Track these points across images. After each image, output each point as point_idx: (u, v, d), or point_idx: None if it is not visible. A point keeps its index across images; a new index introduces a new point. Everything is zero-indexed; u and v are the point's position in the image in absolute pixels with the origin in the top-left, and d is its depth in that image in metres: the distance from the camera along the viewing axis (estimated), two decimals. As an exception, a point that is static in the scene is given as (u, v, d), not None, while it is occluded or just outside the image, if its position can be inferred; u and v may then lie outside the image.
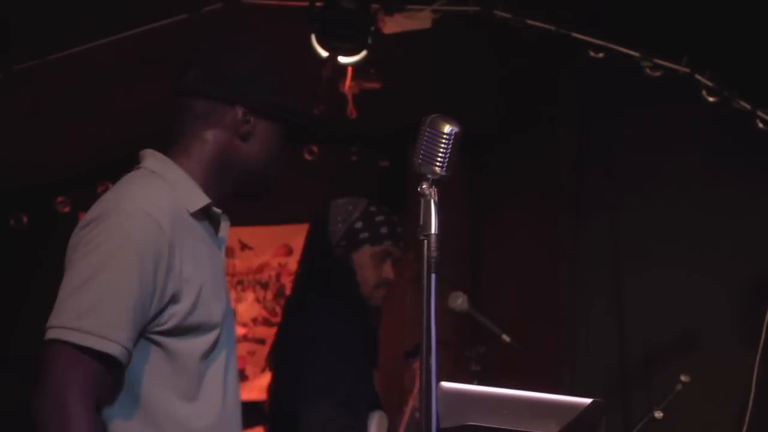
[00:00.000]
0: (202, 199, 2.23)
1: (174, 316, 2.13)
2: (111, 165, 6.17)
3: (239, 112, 2.28)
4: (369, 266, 3.27)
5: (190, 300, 2.14)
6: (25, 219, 6.29)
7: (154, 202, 2.12)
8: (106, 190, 6.09)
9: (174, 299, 2.12)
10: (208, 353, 2.18)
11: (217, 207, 2.27)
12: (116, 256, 2.05)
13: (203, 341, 2.17)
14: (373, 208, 3.32)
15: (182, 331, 2.14)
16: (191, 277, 2.14)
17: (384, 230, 3.29)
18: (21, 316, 6.21)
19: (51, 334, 2.03)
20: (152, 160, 2.26)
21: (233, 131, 2.28)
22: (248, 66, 2.31)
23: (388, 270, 3.29)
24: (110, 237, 2.06)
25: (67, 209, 6.22)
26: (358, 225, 3.28)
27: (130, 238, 2.06)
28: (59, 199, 6.24)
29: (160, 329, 2.12)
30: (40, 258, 6.34)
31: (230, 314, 2.29)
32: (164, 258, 2.09)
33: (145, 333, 2.11)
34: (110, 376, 2.07)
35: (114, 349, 2.02)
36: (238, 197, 2.35)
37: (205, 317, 2.17)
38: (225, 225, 2.32)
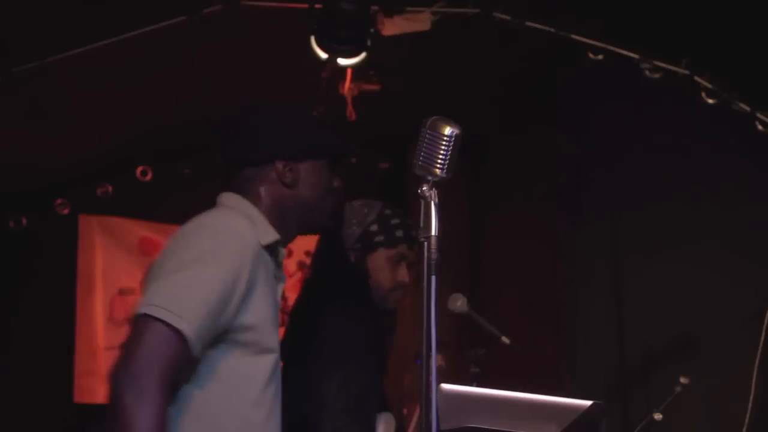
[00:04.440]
0: (273, 235, 2.53)
1: (241, 329, 2.40)
2: (110, 167, 6.19)
3: (279, 166, 2.58)
4: (384, 269, 3.25)
5: (255, 319, 2.42)
6: (24, 221, 6.28)
7: (245, 233, 2.44)
8: (105, 192, 6.13)
9: (244, 313, 2.39)
10: (270, 374, 2.47)
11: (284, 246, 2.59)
12: (209, 256, 2.35)
13: (265, 361, 2.46)
14: (388, 211, 3.31)
15: (248, 344, 2.42)
16: (258, 303, 2.43)
17: (399, 233, 3.27)
18: (21, 317, 6.20)
19: (141, 309, 2.29)
20: (232, 199, 2.57)
21: (280, 183, 2.59)
22: (273, 123, 2.63)
23: (402, 273, 3.28)
24: (209, 240, 2.39)
25: (66, 211, 6.21)
26: (374, 228, 3.27)
27: (225, 247, 2.38)
28: (58, 201, 6.24)
29: (232, 337, 2.39)
30: (40, 259, 6.34)
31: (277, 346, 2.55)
32: (244, 277, 2.37)
33: (222, 338, 2.38)
34: (188, 360, 2.30)
35: (186, 329, 2.26)
36: (305, 234, 2.68)
37: (263, 340, 2.45)
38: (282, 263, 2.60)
